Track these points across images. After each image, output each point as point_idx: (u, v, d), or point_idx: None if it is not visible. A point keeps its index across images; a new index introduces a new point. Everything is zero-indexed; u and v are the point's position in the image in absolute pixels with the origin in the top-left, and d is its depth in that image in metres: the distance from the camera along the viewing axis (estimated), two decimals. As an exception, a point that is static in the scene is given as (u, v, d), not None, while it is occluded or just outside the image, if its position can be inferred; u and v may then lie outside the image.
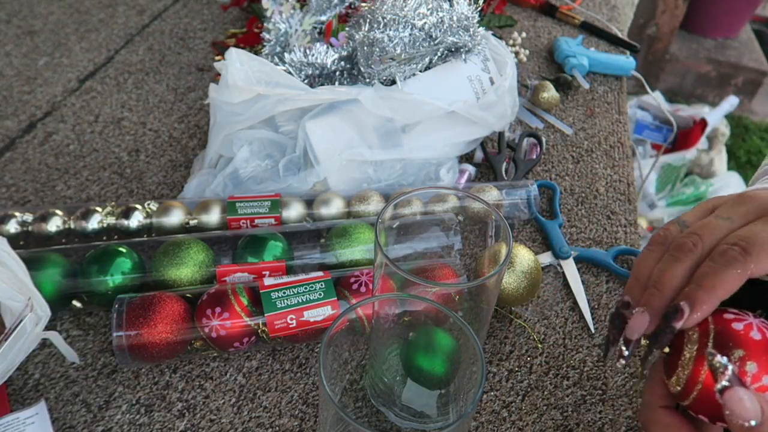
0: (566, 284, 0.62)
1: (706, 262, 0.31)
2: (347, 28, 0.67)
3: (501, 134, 0.73)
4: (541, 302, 0.60)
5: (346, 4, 0.72)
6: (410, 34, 0.62)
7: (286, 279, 0.51)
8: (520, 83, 0.86)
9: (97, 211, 0.59)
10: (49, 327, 0.48)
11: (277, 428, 0.49)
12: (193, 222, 0.60)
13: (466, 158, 0.75)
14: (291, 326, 0.50)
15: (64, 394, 0.50)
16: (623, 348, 0.36)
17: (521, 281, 0.55)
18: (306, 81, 0.64)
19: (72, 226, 0.58)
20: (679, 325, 0.32)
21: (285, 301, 0.50)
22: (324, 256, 0.56)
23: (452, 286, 0.49)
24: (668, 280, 0.33)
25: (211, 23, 0.99)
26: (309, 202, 0.62)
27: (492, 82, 0.69)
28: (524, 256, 0.56)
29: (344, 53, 0.65)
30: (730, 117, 2.10)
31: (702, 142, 1.85)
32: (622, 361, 0.36)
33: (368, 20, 0.63)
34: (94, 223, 0.58)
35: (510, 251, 0.41)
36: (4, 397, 0.48)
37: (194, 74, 0.87)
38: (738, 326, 0.31)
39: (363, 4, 0.65)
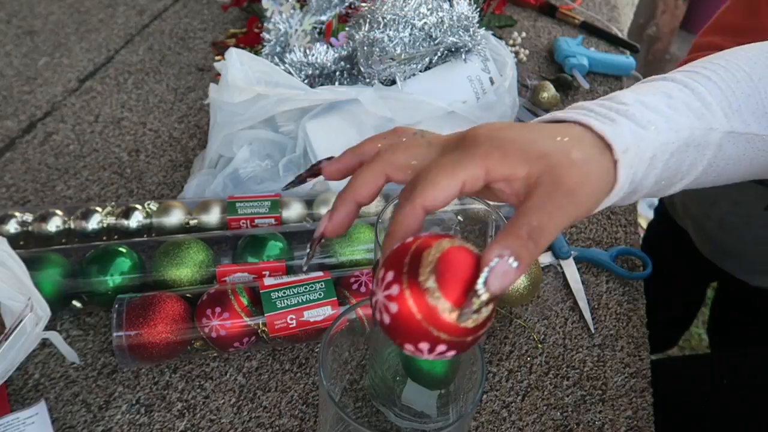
0: (566, 284, 0.62)
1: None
2: (347, 28, 0.67)
3: (501, 134, 0.73)
4: (541, 302, 0.60)
5: (346, 4, 0.72)
6: (410, 34, 0.62)
7: (286, 279, 0.51)
8: (520, 83, 0.86)
9: (97, 211, 0.59)
10: (49, 327, 0.48)
11: (277, 428, 0.49)
12: (193, 222, 0.60)
13: (466, 158, 0.75)
14: (291, 326, 0.50)
15: (64, 394, 0.50)
16: (309, 248, 0.35)
17: (521, 281, 0.55)
18: (306, 81, 0.64)
19: (72, 226, 0.58)
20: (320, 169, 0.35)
21: (285, 301, 0.50)
22: (324, 256, 0.56)
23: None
24: (355, 183, 0.33)
25: (211, 23, 0.99)
26: (309, 202, 0.62)
27: (492, 82, 0.69)
28: None
29: (344, 53, 0.65)
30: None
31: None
32: (305, 262, 0.37)
33: (368, 20, 0.63)
34: (94, 223, 0.58)
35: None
36: (4, 397, 0.48)
37: (194, 74, 0.87)
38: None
39: (363, 4, 0.65)
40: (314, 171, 0.36)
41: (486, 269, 0.27)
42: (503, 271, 0.27)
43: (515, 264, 0.27)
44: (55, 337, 0.49)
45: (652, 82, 0.37)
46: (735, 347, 0.98)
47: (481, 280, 0.27)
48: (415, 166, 0.31)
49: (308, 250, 0.35)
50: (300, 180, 0.36)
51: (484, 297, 0.26)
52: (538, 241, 0.28)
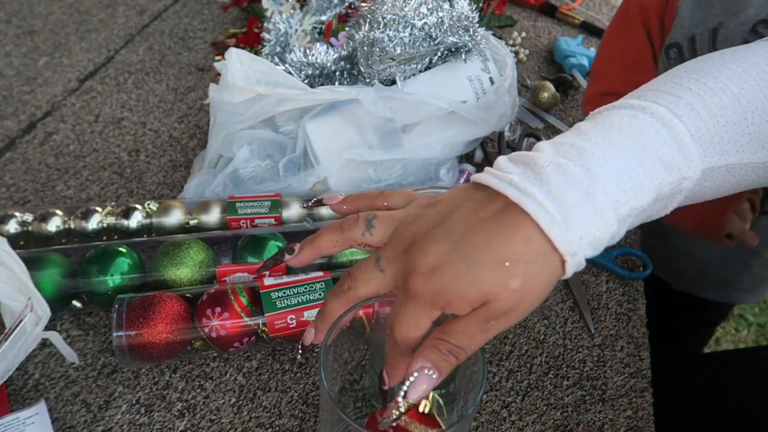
0: (566, 284, 0.62)
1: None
2: (347, 28, 0.67)
3: (501, 134, 0.73)
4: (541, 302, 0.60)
5: (346, 4, 0.72)
6: (410, 34, 0.62)
7: (286, 279, 0.51)
8: (520, 83, 0.86)
9: (97, 211, 0.59)
10: (49, 327, 0.48)
11: (277, 428, 0.49)
12: (193, 222, 0.60)
13: (466, 158, 0.75)
14: (291, 326, 0.50)
15: (64, 394, 0.50)
16: (299, 349, 0.41)
17: None
18: (306, 81, 0.64)
19: (72, 226, 0.58)
20: (286, 259, 0.39)
21: (285, 301, 0.50)
22: (324, 256, 0.56)
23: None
24: (327, 311, 0.37)
25: (211, 23, 0.99)
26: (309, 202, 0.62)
27: (492, 82, 0.69)
28: None
29: (344, 53, 0.65)
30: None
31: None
32: (299, 355, 0.49)
33: (368, 20, 0.63)
34: (94, 223, 0.58)
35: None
36: (4, 397, 0.48)
37: (194, 74, 0.87)
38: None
39: (363, 4, 0.65)
40: (278, 261, 0.39)
41: (407, 382, 0.31)
42: (422, 382, 0.31)
43: (435, 375, 0.31)
44: (55, 338, 0.49)
45: (631, 114, 0.33)
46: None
47: (401, 393, 0.31)
48: (378, 293, 0.35)
49: (299, 351, 0.40)
50: (265, 267, 0.40)
51: (403, 408, 0.31)
52: (458, 356, 0.31)
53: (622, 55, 0.69)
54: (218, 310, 0.49)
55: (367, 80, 0.64)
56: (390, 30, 0.62)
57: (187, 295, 0.51)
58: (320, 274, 0.52)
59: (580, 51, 0.92)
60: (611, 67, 0.70)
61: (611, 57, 0.71)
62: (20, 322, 0.44)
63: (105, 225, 0.59)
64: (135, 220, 0.59)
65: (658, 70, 0.67)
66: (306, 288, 0.51)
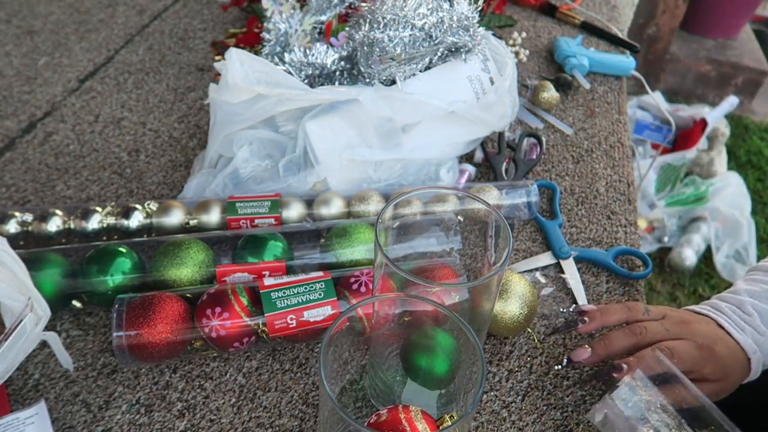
0: (566, 284, 0.62)
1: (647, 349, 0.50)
2: (347, 28, 0.67)
3: (501, 134, 0.73)
4: (541, 302, 0.60)
5: (346, 4, 0.72)
6: (410, 34, 0.62)
7: (286, 279, 0.51)
8: (520, 83, 0.86)
9: (97, 211, 0.59)
10: (49, 327, 0.48)
11: (277, 428, 0.49)
12: (193, 222, 0.60)
13: (466, 158, 0.75)
14: (291, 326, 0.50)
15: (64, 394, 0.50)
16: (564, 362, 0.54)
17: (518, 309, 0.54)
18: (306, 81, 0.64)
19: (72, 226, 0.58)
20: (617, 375, 0.48)
21: (285, 301, 0.50)
22: (324, 256, 0.56)
23: (452, 286, 0.49)
24: (615, 344, 0.51)
25: (211, 23, 0.99)
26: (309, 202, 0.62)
27: (492, 82, 0.69)
28: (519, 284, 0.54)
29: (344, 53, 0.65)
30: (730, 117, 2.10)
31: (702, 142, 1.85)
32: (558, 367, 0.55)
33: (368, 20, 0.63)
34: (94, 223, 0.58)
35: (510, 251, 0.41)
36: (4, 397, 0.48)
37: (194, 74, 0.87)
38: None
39: (363, 4, 0.65)
40: (570, 324, 0.55)
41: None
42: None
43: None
44: (53, 340, 0.48)
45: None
46: None
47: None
48: (655, 340, 0.51)
49: (563, 364, 0.55)
50: (558, 332, 0.57)
51: None
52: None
53: None
54: (218, 310, 0.49)
55: (367, 80, 0.64)
56: (390, 30, 0.62)
57: (187, 295, 0.51)
58: (320, 274, 0.52)
59: (580, 51, 0.92)
60: None
61: None
62: (20, 322, 0.44)
63: (105, 225, 0.59)
64: (135, 220, 0.59)
65: None
66: (306, 288, 0.51)
